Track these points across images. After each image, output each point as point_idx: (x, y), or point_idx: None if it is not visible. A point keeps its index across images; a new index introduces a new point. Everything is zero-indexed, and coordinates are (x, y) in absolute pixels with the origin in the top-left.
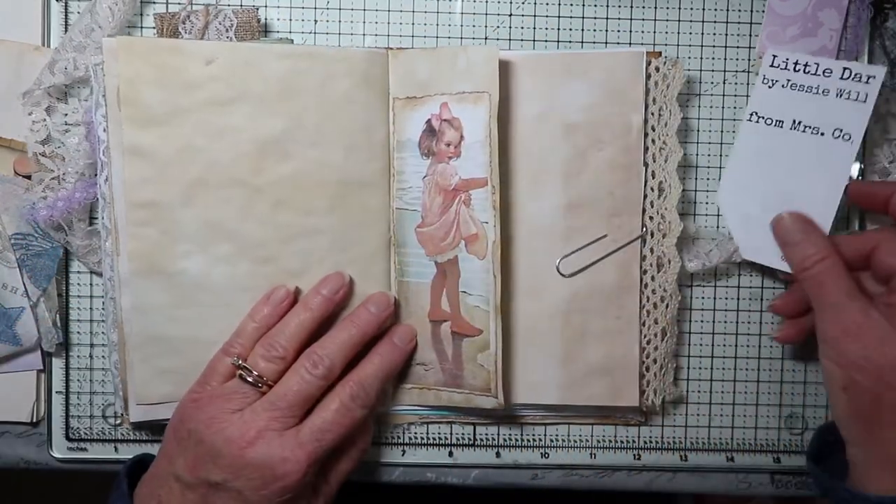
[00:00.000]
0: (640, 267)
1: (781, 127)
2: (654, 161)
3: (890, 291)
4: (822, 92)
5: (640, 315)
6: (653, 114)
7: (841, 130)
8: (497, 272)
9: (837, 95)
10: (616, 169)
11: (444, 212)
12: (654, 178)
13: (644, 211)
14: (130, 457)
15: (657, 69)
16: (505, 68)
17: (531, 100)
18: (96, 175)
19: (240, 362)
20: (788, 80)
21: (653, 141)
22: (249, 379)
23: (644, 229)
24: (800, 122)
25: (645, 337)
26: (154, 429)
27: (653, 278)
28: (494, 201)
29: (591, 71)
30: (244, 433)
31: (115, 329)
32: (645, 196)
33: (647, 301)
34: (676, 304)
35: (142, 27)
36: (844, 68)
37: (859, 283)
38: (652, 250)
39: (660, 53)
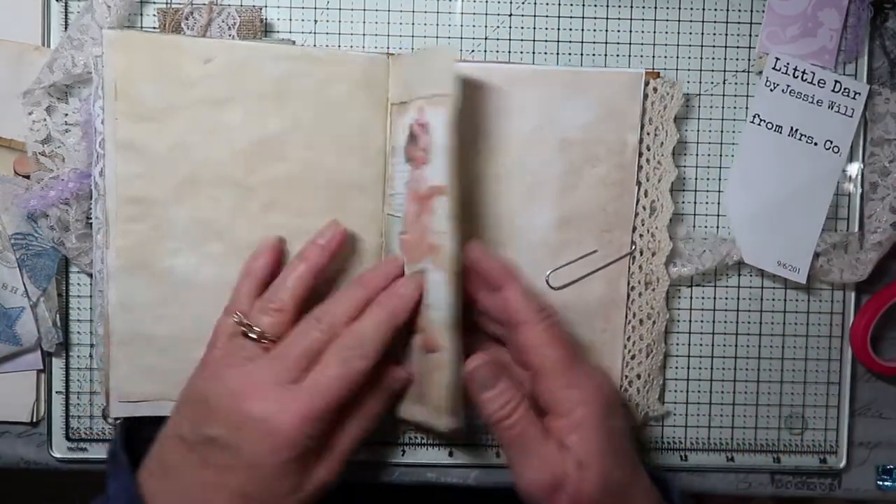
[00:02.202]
0: (628, 283)
1: (780, 133)
2: (648, 180)
3: (551, 414)
4: (817, 102)
5: (626, 330)
6: (649, 133)
7: (831, 142)
8: (454, 286)
9: (829, 107)
10: (609, 186)
11: (416, 220)
12: (646, 196)
13: (634, 229)
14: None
15: (655, 90)
16: (510, 80)
17: (529, 113)
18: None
19: (241, 319)
20: (788, 86)
21: (647, 160)
22: (251, 335)
23: (633, 246)
24: (796, 130)
25: (629, 352)
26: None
27: (640, 295)
28: (451, 209)
29: (589, 89)
30: (244, 386)
31: (101, 323)
32: (636, 214)
33: (634, 317)
34: (664, 322)
35: (142, 27)
36: (836, 81)
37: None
38: (641, 268)
39: (658, 74)
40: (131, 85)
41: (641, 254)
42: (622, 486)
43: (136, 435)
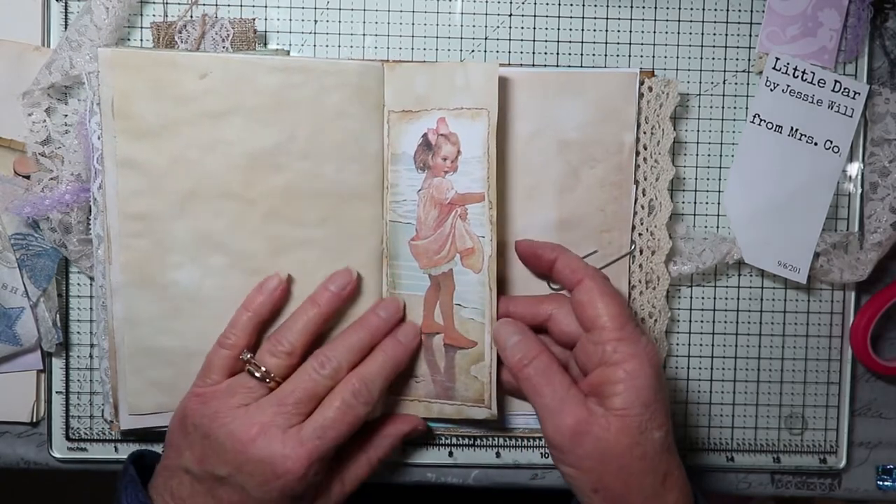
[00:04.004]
0: (629, 283)
1: (780, 132)
2: (646, 179)
3: (584, 373)
4: (817, 102)
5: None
6: (645, 132)
7: (831, 142)
8: (493, 285)
9: (829, 107)
10: (607, 186)
11: (439, 225)
12: (644, 195)
13: (634, 228)
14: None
15: (650, 89)
16: (504, 85)
17: (526, 116)
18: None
19: (248, 356)
20: (788, 86)
21: (644, 159)
22: (257, 374)
23: (633, 246)
24: (797, 130)
25: None
26: (145, 435)
27: (641, 293)
28: (491, 216)
29: (585, 89)
30: (248, 429)
31: (106, 337)
32: (635, 213)
33: (636, 316)
34: (665, 320)
35: (141, 27)
36: (836, 81)
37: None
38: (641, 266)
39: (653, 73)
40: (129, 103)
41: (641, 253)
42: (656, 449)
43: (143, 454)
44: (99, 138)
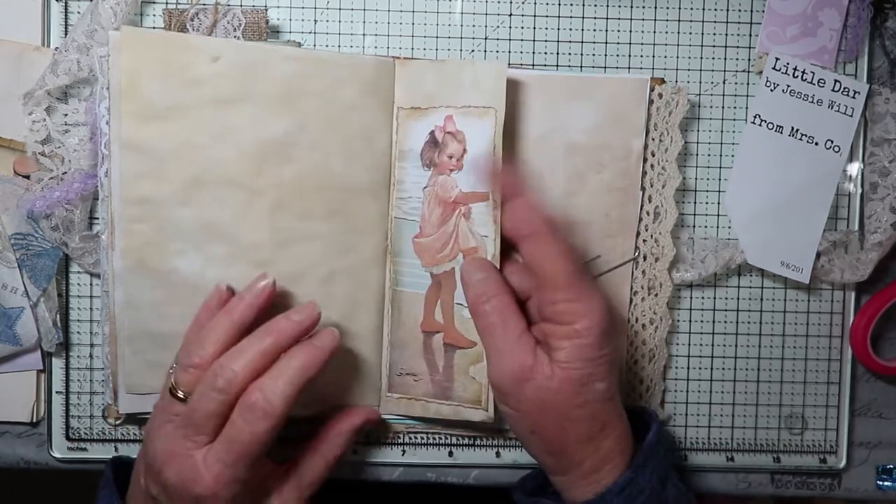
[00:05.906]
0: (631, 289)
1: (781, 133)
2: (652, 186)
3: (534, 322)
4: (817, 102)
5: (628, 335)
6: (653, 139)
7: (832, 142)
8: None
9: (829, 107)
10: (614, 191)
11: (442, 223)
12: (650, 202)
13: (638, 234)
14: (131, 457)
15: (660, 95)
16: (513, 87)
17: (535, 119)
18: (97, 168)
19: (171, 368)
20: (788, 86)
21: (652, 166)
22: (178, 394)
23: (637, 252)
24: (797, 130)
25: (632, 357)
26: (143, 423)
27: (643, 300)
28: (496, 216)
29: (594, 94)
30: (162, 452)
31: (107, 322)
32: (640, 219)
33: (636, 322)
34: (666, 327)
35: (142, 27)
36: (836, 80)
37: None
38: (644, 273)
39: (663, 80)
40: (137, 83)
41: (645, 259)
42: (597, 399)
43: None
44: (107, 123)
